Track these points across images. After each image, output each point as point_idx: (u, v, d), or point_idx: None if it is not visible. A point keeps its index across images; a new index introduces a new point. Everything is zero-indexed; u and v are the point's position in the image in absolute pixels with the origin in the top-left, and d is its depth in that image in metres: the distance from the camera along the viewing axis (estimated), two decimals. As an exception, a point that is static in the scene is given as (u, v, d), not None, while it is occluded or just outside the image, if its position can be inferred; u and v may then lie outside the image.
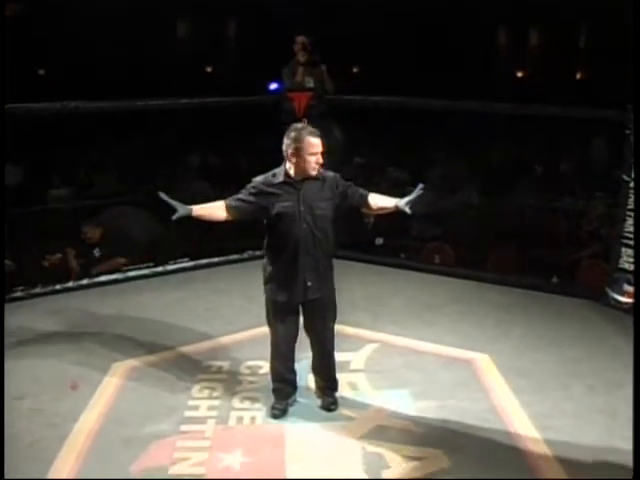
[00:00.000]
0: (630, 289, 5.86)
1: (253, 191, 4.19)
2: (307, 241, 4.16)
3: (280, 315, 4.28)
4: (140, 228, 7.07)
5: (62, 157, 8.19)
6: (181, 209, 4.12)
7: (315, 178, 4.18)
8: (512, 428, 4.26)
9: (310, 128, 4.20)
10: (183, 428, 4.24)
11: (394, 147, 8.23)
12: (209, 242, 7.12)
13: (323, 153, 4.15)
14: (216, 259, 7.00)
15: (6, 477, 3.48)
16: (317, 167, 4.15)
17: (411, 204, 4.20)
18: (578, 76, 11.54)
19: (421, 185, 4.23)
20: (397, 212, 4.27)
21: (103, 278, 6.52)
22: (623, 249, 5.92)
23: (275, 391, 4.43)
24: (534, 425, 4.27)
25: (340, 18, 10.52)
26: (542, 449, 4.06)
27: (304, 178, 4.16)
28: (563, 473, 3.86)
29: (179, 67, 10.96)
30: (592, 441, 4.12)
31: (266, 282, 4.29)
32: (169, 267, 6.82)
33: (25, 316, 5.76)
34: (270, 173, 4.23)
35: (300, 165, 4.13)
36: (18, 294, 6.10)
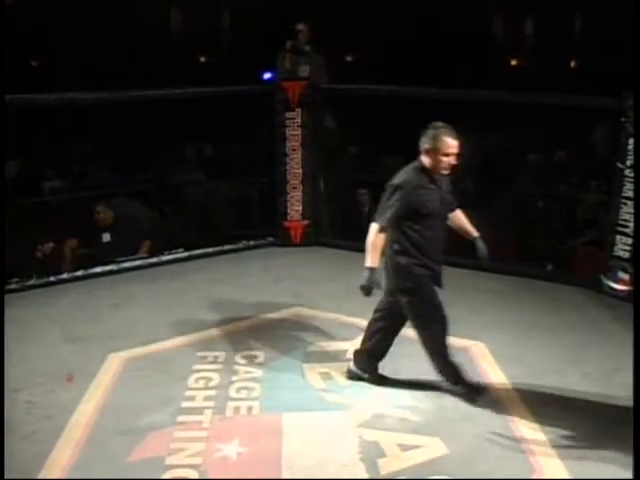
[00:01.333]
0: (625, 277, 5.87)
1: (408, 196, 4.22)
2: (442, 233, 4.35)
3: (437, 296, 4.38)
4: (146, 218, 7.05)
5: (56, 149, 8.16)
6: (375, 277, 4.27)
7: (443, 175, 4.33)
8: (507, 415, 4.27)
9: (447, 129, 4.27)
10: (180, 419, 4.25)
11: (389, 136, 8.20)
12: (204, 232, 7.10)
13: (458, 155, 4.22)
14: (211, 249, 6.96)
15: (4, 469, 3.48)
16: (449, 168, 4.26)
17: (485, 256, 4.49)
18: (572, 64, 11.54)
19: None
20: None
21: (97, 269, 6.49)
22: (618, 237, 5.92)
23: (374, 354, 4.60)
24: (529, 412, 4.29)
25: (336, 7, 10.51)
26: (538, 436, 4.07)
27: (438, 175, 4.30)
28: (559, 460, 3.87)
29: (173, 57, 10.94)
30: (587, 427, 4.14)
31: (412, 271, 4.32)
32: (164, 258, 6.79)
33: (20, 308, 5.74)
34: (411, 170, 4.29)
35: (433, 163, 4.26)
36: (13, 286, 6.08)
